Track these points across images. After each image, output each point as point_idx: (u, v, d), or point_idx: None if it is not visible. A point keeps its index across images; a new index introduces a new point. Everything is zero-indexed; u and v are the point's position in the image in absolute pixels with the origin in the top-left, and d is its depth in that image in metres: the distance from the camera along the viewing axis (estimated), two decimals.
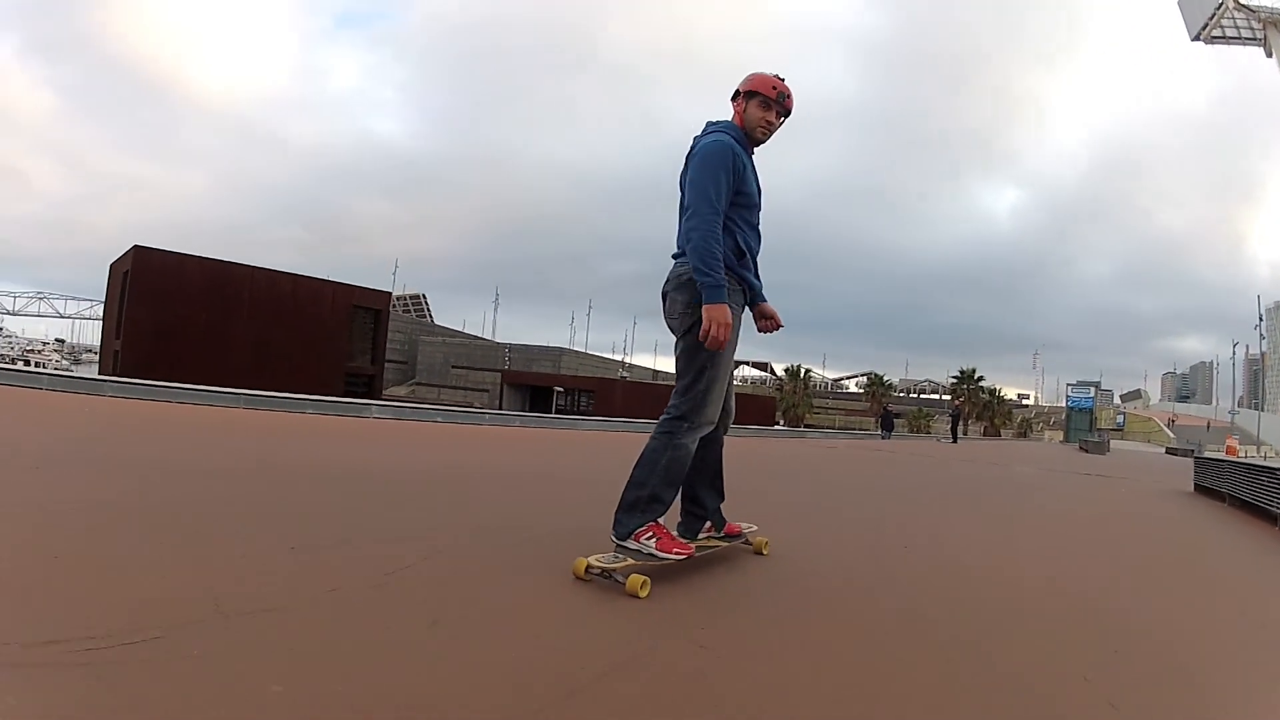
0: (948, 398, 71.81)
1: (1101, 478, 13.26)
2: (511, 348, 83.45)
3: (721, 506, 3.52)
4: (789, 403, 67.99)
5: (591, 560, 2.88)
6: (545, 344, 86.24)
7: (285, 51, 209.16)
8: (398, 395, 69.90)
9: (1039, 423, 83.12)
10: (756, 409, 50.36)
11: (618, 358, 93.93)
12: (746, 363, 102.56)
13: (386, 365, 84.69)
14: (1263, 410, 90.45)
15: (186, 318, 27.46)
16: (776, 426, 49.28)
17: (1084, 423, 52.08)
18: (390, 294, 37.20)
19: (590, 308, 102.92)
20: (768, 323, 3.42)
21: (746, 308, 3.30)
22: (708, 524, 3.47)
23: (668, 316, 3.17)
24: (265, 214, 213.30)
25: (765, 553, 3.73)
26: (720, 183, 2.98)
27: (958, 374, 71.30)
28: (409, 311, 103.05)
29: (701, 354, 2.99)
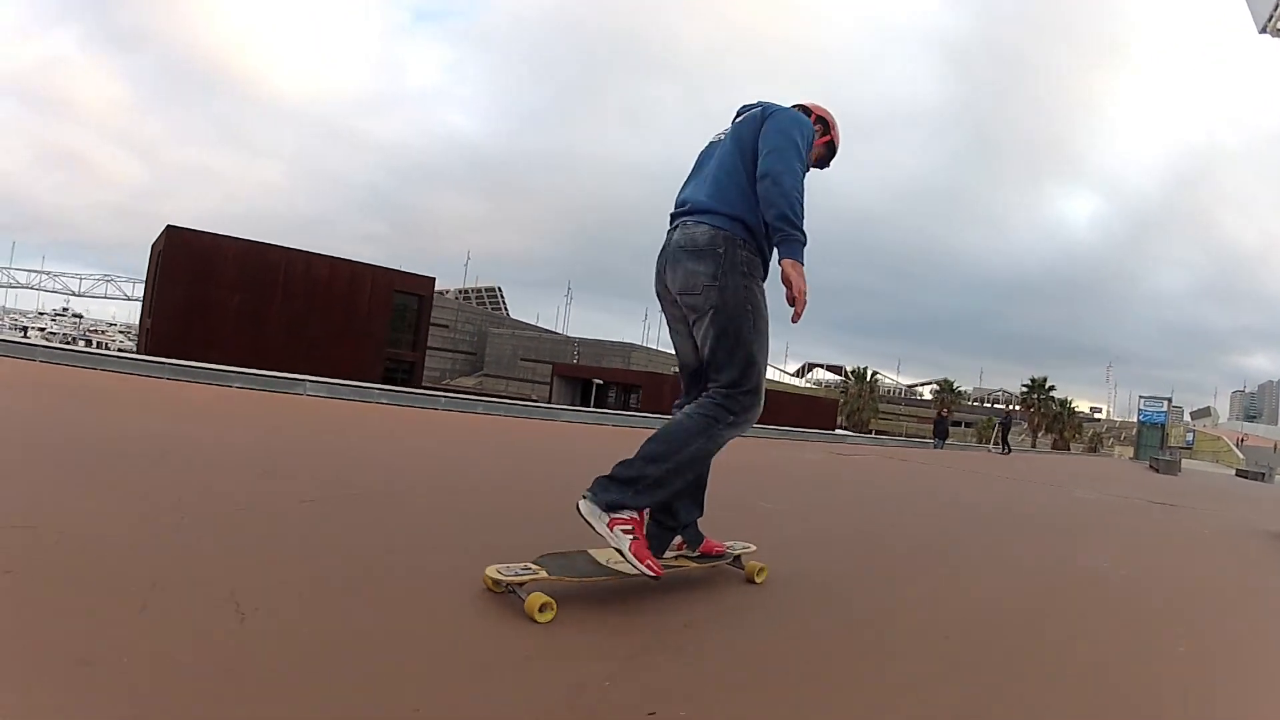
0: (1016, 408, 68.82)
1: (1175, 509, 11.20)
2: (581, 342, 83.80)
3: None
4: (854, 406, 66.18)
5: (497, 571, 2.29)
6: (616, 339, 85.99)
7: (363, 45, 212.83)
8: (465, 385, 70.93)
9: (1109, 437, 79.59)
10: (819, 411, 49.23)
11: None
12: (821, 365, 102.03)
13: (456, 356, 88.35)
14: None
15: (219, 298, 27.19)
16: (837, 431, 47.75)
17: (1155, 439, 49.36)
18: (434, 280, 35.88)
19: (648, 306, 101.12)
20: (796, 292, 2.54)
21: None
22: (679, 540, 2.86)
23: (683, 292, 2.56)
24: (343, 208, 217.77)
25: (760, 580, 2.90)
26: (808, 140, 2.60)
27: (1028, 383, 68.47)
28: (483, 304, 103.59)
29: (745, 334, 2.48)
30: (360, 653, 1.83)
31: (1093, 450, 67.50)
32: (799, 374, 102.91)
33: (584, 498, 2.37)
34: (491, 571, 2.28)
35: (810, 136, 2.62)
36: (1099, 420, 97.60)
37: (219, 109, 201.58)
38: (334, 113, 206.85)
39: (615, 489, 2.37)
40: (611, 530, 2.33)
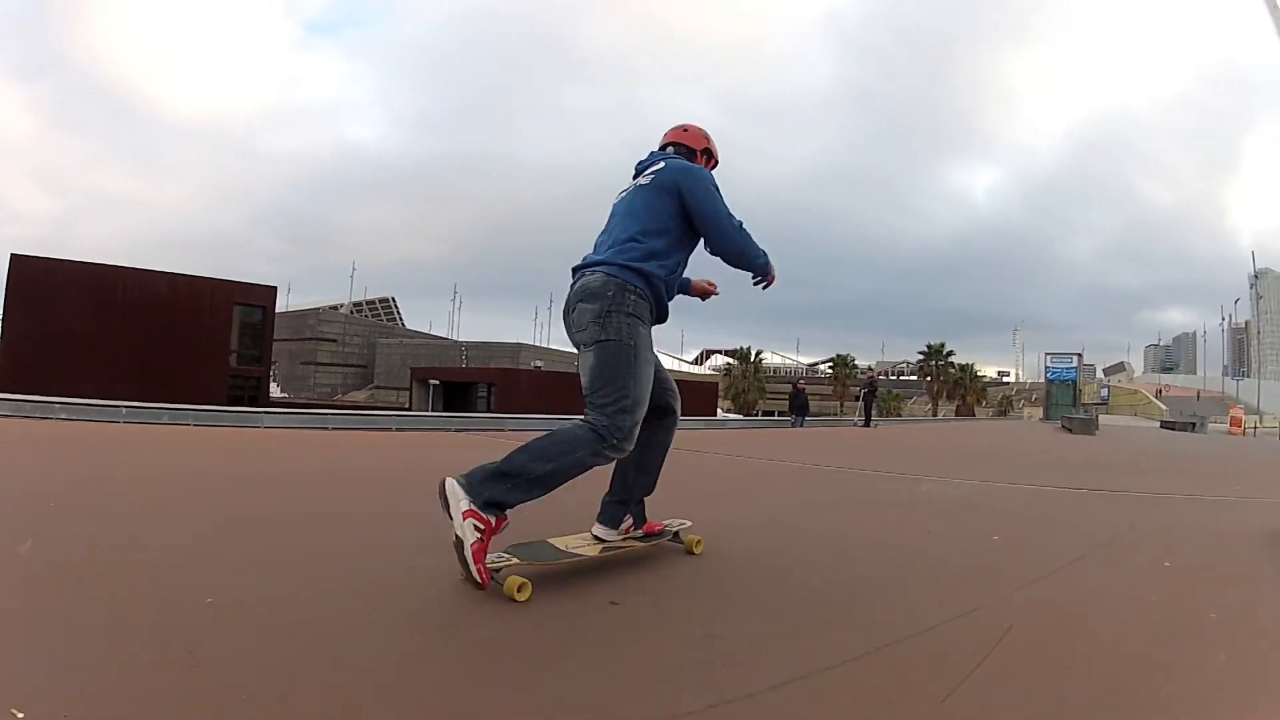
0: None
1: (1103, 496, 6.33)
2: (469, 346, 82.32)
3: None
4: (739, 388, 61.27)
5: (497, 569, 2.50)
6: (504, 340, 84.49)
7: (258, 61, 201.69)
8: (356, 400, 69.64)
9: (1020, 400, 74.70)
10: (696, 396, 42.83)
11: None
12: (719, 351, 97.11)
13: (346, 370, 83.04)
14: (1256, 379, 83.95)
15: (65, 326, 25.98)
16: (719, 415, 41.82)
17: (1066, 397, 43.58)
18: (275, 289, 33.54)
19: (551, 301, 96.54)
20: (708, 289, 3.31)
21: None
22: (629, 520, 3.04)
23: (575, 330, 2.79)
24: (246, 226, 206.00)
25: (698, 551, 3.15)
26: (715, 187, 2.91)
27: (925, 349, 62.94)
28: (377, 315, 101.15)
29: (622, 374, 2.64)
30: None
31: (1003, 414, 62.15)
32: (697, 361, 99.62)
33: (455, 478, 2.43)
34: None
35: (712, 180, 2.90)
36: (1008, 384, 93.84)
37: (125, 134, 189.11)
38: (232, 130, 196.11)
39: (494, 483, 2.44)
40: (464, 520, 2.37)
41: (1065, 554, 3.61)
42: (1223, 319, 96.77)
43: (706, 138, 3.22)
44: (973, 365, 65.18)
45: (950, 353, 62.44)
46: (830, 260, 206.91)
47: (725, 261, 2.87)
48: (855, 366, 68.03)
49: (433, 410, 41.31)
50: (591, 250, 2.89)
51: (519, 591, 2.33)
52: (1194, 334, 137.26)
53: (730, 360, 66.81)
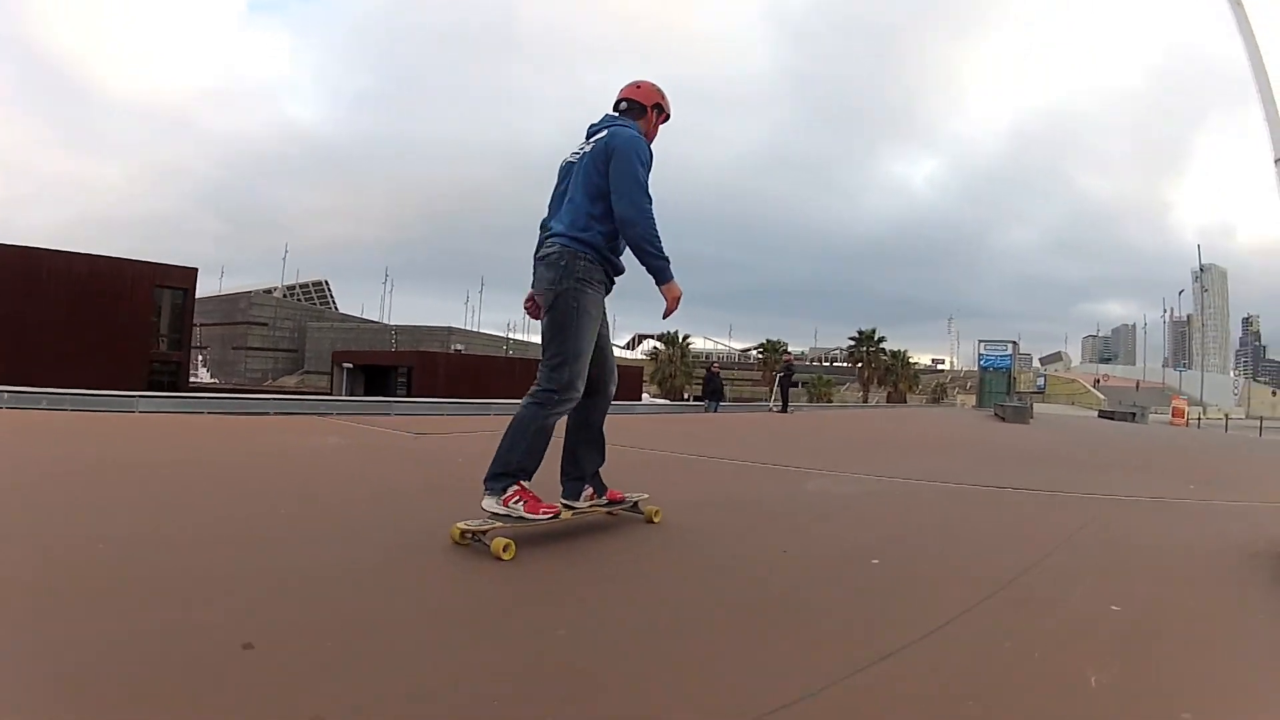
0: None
1: (1032, 498, 5.13)
2: (399, 329, 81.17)
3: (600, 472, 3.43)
4: (665, 373, 59.91)
5: (470, 525, 2.91)
6: (434, 324, 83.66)
7: (200, 39, 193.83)
8: (287, 385, 67.70)
9: (955, 388, 73.36)
10: (619, 382, 40.54)
11: (522, 337, 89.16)
12: (651, 336, 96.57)
13: (277, 355, 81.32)
14: (1200, 370, 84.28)
15: None
16: (644, 400, 39.87)
17: (1001, 385, 41.66)
18: (196, 271, 32.50)
19: (483, 285, 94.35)
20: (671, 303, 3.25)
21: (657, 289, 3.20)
22: (589, 489, 3.36)
23: (536, 293, 3.17)
24: (186, 206, 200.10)
25: (657, 520, 3.48)
26: (646, 170, 3.11)
27: (855, 335, 61.05)
28: (310, 299, 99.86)
29: (568, 333, 3.04)
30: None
31: (936, 401, 60.54)
32: (629, 346, 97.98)
33: (483, 506, 2.94)
34: (458, 526, 2.91)
35: (646, 154, 3.12)
36: (942, 372, 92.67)
37: (68, 114, 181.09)
38: (175, 110, 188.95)
39: (494, 484, 2.95)
40: (509, 505, 2.92)
41: (968, 590, 2.60)
42: (1165, 311, 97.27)
43: (659, 93, 3.43)
44: (904, 352, 63.71)
45: (881, 339, 60.85)
46: (766, 246, 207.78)
47: (624, 232, 3.06)
48: (786, 352, 65.86)
49: (351, 394, 40.60)
50: (547, 208, 3.30)
51: (504, 551, 2.75)
52: (1133, 326, 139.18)
53: (658, 345, 64.86)
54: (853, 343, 62.17)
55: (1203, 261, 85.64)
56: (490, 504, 2.90)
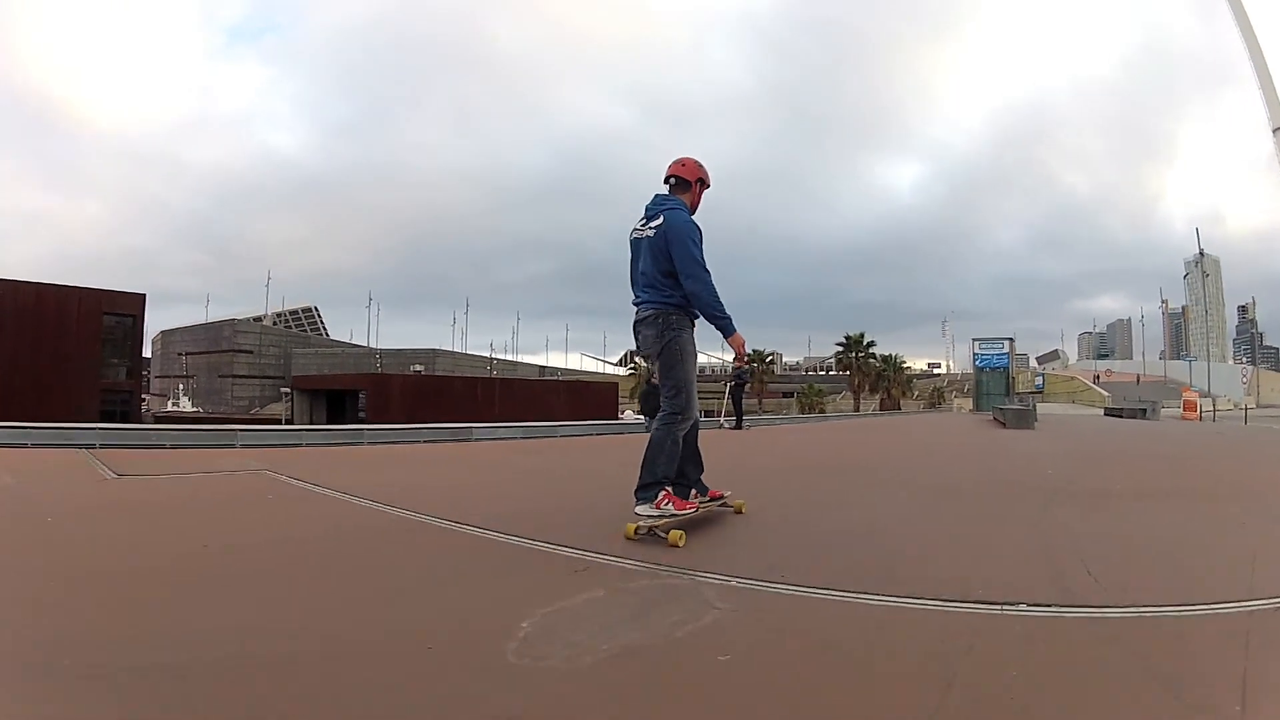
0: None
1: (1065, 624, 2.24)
2: (384, 353, 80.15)
3: (702, 478, 4.18)
4: (643, 382, 54.67)
5: (640, 523, 3.58)
6: (419, 347, 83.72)
7: (177, 71, 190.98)
8: (275, 413, 63.38)
9: (952, 391, 70.10)
10: (592, 398, 37.68)
11: (509, 357, 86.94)
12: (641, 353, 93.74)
13: (264, 382, 80.00)
14: (1206, 360, 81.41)
15: None
16: (622, 418, 37.05)
17: (998, 385, 38.29)
18: (144, 297, 31.00)
19: (468, 307, 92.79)
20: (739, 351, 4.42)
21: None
22: (694, 491, 4.06)
23: (641, 346, 4.05)
24: (166, 240, 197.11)
25: (743, 511, 4.31)
26: (701, 249, 3.85)
27: (843, 341, 57.03)
28: (300, 326, 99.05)
29: (678, 369, 3.85)
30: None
31: (933, 406, 57.30)
32: (621, 362, 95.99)
33: (636, 511, 3.64)
34: (632, 525, 3.60)
35: (697, 235, 3.88)
36: (939, 376, 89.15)
37: (47, 149, 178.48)
38: (151, 142, 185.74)
39: (649, 491, 3.66)
40: (660, 508, 3.61)
41: None
42: (1163, 302, 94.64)
43: (700, 168, 4.14)
44: (896, 356, 59.86)
45: (871, 343, 56.83)
46: (756, 259, 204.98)
47: (693, 303, 3.85)
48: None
49: (311, 420, 38.21)
50: (630, 279, 4.09)
51: (680, 540, 3.46)
52: (1129, 320, 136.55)
53: (640, 360, 60.93)
54: (841, 349, 58.17)
55: (1199, 247, 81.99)
56: (644, 509, 3.63)
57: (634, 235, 3.98)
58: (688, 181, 4.01)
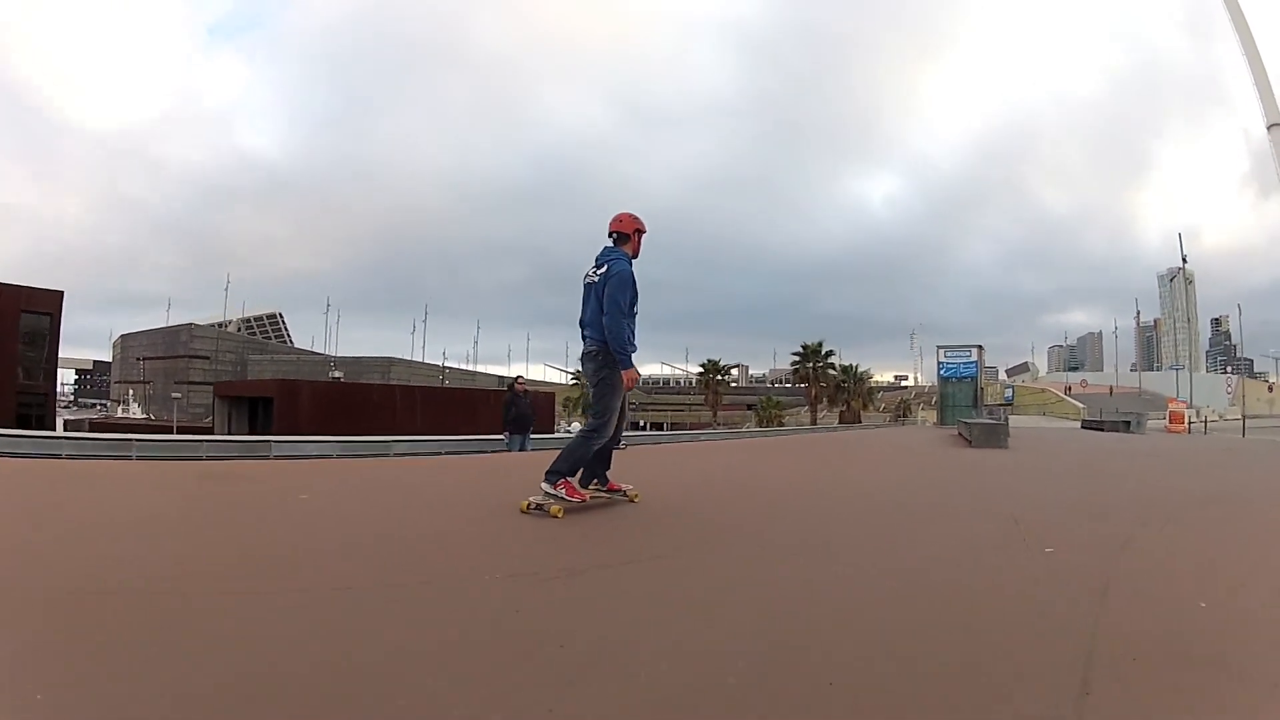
0: (804, 385, 52.32)
1: None
2: (339, 361, 76.84)
3: (608, 474, 5.04)
4: (587, 401, 50.92)
5: (533, 499, 4.50)
6: (376, 354, 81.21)
7: (157, 68, 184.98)
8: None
9: (919, 404, 66.64)
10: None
11: (468, 367, 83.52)
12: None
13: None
14: (1189, 370, 79.10)
15: None
16: (564, 430, 33.39)
17: (964, 397, 34.13)
18: (62, 294, 30.09)
19: (427, 314, 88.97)
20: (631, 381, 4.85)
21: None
22: (595, 480, 4.93)
23: (584, 375, 4.98)
24: (144, 239, 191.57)
25: (636, 501, 5.01)
26: (629, 298, 4.59)
27: (799, 350, 52.56)
28: (265, 332, 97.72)
29: (607, 398, 4.63)
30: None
31: (898, 419, 53.53)
32: (577, 376, 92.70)
33: (542, 485, 4.49)
34: (525, 501, 4.52)
35: (629, 284, 4.60)
36: (906, 388, 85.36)
37: (25, 145, 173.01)
38: (130, 141, 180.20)
39: (552, 476, 4.48)
40: (556, 490, 4.45)
41: None
42: (1137, 313, 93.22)
43: (635, 220, 4.87)
44: (856, 366, 56.34)
45: (830, 353, 52.62)
46: (724, 267, 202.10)
47: (607, 335, 4.56)
48: (728, 372, 57.59)
49: (233, 429, 34.57)
50: (580, 318, 4.82)
51: (559, 512, 4.34)
52: (1099, 334, 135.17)
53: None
54: (798, 358, 53.48)
55: (1182, 253, 78.22)
56: (546, 487, 4.46)
57: (586, 280, 4.76)
58: (627, 234, 4.80)
